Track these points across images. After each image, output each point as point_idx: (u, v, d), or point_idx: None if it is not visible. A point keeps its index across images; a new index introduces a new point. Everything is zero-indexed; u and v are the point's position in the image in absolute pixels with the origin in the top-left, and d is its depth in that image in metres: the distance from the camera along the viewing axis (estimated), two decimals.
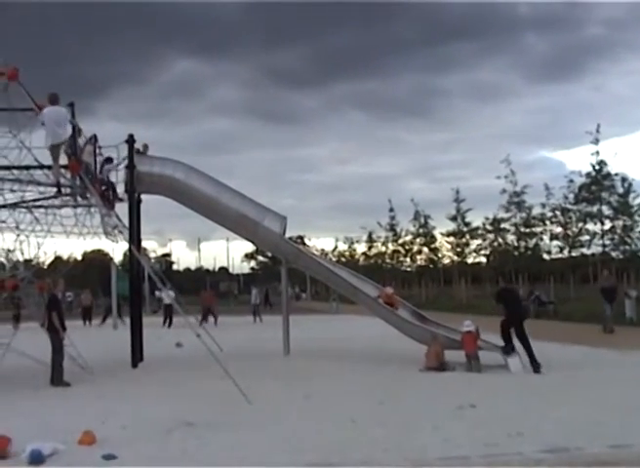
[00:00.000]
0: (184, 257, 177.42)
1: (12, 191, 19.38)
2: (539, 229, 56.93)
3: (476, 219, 65.76)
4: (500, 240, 61.72)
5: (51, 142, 17.90)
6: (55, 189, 19.18)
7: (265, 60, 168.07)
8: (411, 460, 9.52)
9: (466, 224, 64.75)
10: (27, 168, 18.12)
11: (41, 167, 18.12)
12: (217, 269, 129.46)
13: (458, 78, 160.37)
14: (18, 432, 10.87)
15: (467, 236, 65.30)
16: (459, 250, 66.14)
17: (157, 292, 57.43)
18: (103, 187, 20.78)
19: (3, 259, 20.29)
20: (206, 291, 48.33)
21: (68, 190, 19.18)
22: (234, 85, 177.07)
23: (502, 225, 59.96)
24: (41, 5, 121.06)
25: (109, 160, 21.44)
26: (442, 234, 69.66)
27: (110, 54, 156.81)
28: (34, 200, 19.85)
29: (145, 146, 22.19)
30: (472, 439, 10.67)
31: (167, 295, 33.76)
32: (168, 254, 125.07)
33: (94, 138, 20.24)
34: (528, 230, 57.16)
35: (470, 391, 15.14)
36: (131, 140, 21.51)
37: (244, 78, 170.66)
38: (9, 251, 19.40)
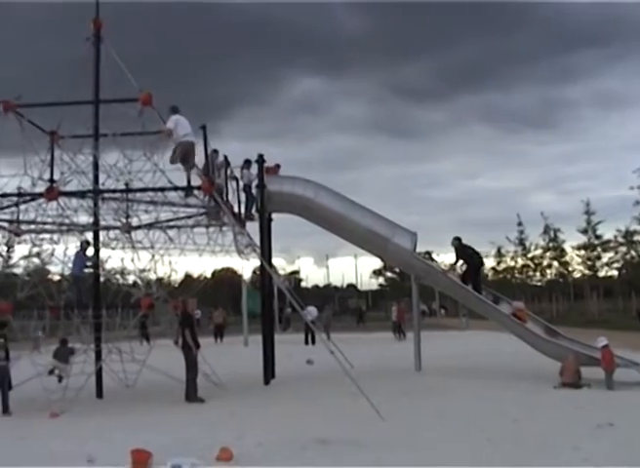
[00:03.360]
0: (312, 274, 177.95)
1: (146, 212, 19.88)
2: None
3: (607, 232, 64.40)
4: (634, 252, 60.21)
5: (181, 140, 18.40)
6: (188, 209, 19.66)
7: (389, 76, 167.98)
8: None
9: (597, 237, 63.41)
10: (162, 189, 18.53)
11: (175, 188, 18.50)
12: (345, 286, 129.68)
13: (584, 87, 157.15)
14: (157, 447, 11.12)
15: (599, 249, 63.91)
16: (590, 263, 64.78)
17: (287, 310, 57.88)
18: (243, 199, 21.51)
19: (137, 278, 20.76)
20: (399, 304, 47.60)
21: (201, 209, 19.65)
22: (359, 101, 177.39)
23: (636, 237, 58.53)
24: (167, 30, 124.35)
25: (248, 163, 21.81)
26: (572, 247, 68.45)
27: (234, 75, 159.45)
28: (168, 220, 20.34)
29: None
30: (613, 459, 10.37)
31: (308, 313, 34.25)
32: (296, 272, 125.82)
33: (225, 160, 20.61)
34: None
35: (608, 409, 14.77)
36: (261, 160, 21.81)
37: (368, 94, 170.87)
38: (143, 270, 19.82)
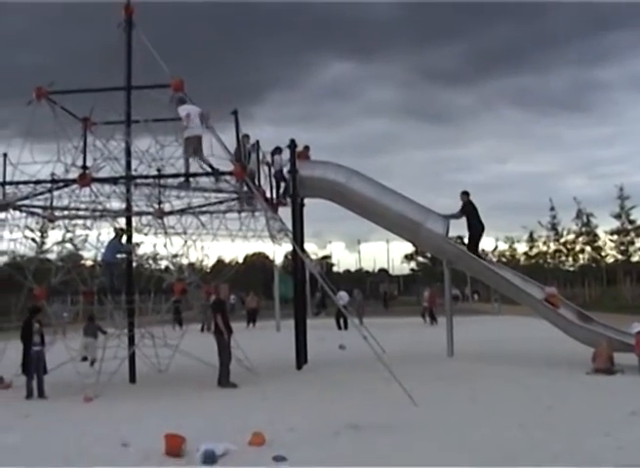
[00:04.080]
0: (344, 259, 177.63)
1: (178, 197, 19.93)
2: None
3: None
4: None
5: (189, 134, 18.34)
6: (219, 194, 19.69)
7: (420, 60, 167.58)
8: None
9: (631, 222, 62.96)
10: (194, 175, 18.55)
11: (206, 174, 18.52)
12: (376, 270, 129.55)
13: (617, 69, 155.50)
14: (190, 431, 11.19)
15: (632, 234, 63.46)
16: (623, 248, 64.36)
17: (318, 295, 58.01)
18: (281, 183, 21.83)
19: (169, 264, 20.88)
20: (430, 288, 47.24)
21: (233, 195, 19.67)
22: (389, 85, 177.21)
23: None
24: (198, 16, 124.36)
25: (279, 150, 21.84)
26: (605, 232, 68.01)
27: (265, 60, 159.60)
28: (200, 206, 20.38)
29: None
30: None
31: (341, 298, 34.36)
32: (328, 256, 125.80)
33: (256, 145, 20.58)
34: None
35: None
36: (292, 145, 21.80)
37: (399, 78, 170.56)
38: (175, 255, 19.92)
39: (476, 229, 22.06)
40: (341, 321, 39.30)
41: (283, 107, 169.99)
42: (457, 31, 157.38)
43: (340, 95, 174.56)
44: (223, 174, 18.42)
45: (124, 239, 19.68)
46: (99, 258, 20.02)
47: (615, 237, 65.58)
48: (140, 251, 22.65)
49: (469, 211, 21.90)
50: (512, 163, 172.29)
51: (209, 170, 18.50)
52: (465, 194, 22.09)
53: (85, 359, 22.49)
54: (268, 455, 10.23)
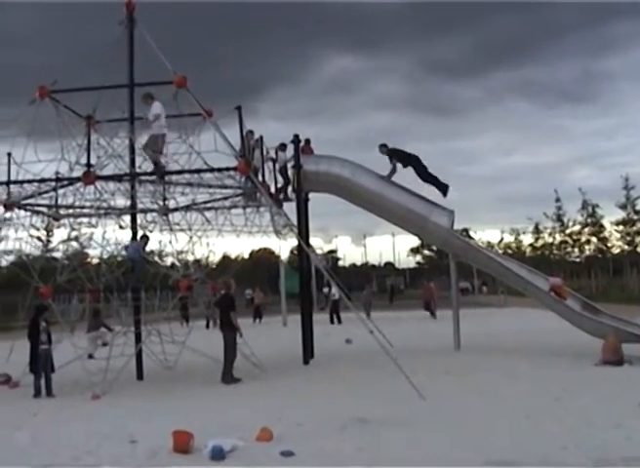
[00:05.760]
0: (350, 253, 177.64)
1: (183, 194, 19.92)
2: None
3: None
4: None
5: (157, 132, 18.33)
6: (224, 190, 19.68)
7: (425, 53, 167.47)
8: (592, 459, 9.22)
9: (637, 212, 62.76)
10: (198, 171, 18.51)
11: (211, 170, 18.45)
12: (382, 264, 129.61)
13: (622, 59, 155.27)
14: (197, 428, 11.15)
15: (638, 224, 63.26)
16: (629, 238, 64.17)
17: (325, 289, 58.06)
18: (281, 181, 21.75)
19: (175, 260, 20.91)
20: (429, 282, 47.13)
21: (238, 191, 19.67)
22: (394, 79, 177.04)
23: None
24: (201, 9, 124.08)
25: (283, 146, 21.83)
26: (611, 223, 67.86)
27: (268, 55, 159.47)
28: (205, 202, 20.38)
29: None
30: None
31: (337, 291, 34.31)
32: (334, 251, 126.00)
33: (260, 141, 20.56)
34: None
35: None
36: (296, 140, 21.81)
37: (403, 71, 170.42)
38: (180, 252, 19.95)
39: (419, 165, 22.20)
40: (335, 316, 39.94)
41: (287, 102, 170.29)
42: (461, 24, 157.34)
43: (344, 89, 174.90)
44: (228, 169, 18.40)
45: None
46: (105, 256, 20.08)
47: (620, 227, 65.34)
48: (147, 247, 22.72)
49: (394, 155, 22.16)
50: (518, 155, 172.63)
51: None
52: (384, 146, 22.12)
53: (91, 356, 22.48)
54: (276, 451, 10.21)
